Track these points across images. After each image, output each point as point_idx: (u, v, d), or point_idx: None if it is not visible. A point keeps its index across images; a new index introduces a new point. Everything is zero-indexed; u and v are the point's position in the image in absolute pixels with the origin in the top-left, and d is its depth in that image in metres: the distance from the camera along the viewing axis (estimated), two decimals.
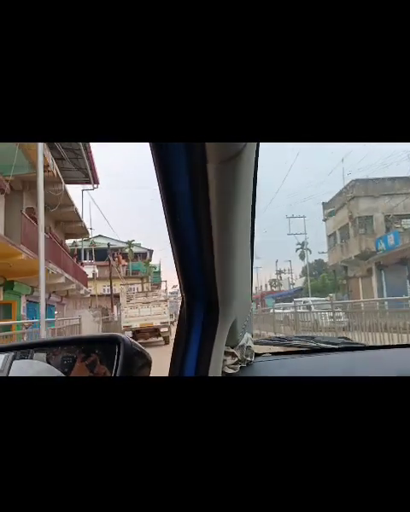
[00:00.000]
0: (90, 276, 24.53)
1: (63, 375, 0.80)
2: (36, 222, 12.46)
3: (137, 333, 15.77)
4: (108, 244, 21.53)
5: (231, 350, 0.83)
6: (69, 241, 22.72)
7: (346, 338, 1.06)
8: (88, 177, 19.26)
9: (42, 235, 8.03)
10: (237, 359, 0.84)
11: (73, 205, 16.48)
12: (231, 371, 0.82)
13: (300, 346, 1.02)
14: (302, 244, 49.55)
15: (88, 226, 21.31)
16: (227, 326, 0.77)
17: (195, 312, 0.72)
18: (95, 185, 20.31)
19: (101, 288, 23.24)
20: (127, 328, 15.52)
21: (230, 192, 0.55)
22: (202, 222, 0.57)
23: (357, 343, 1.05)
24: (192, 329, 0.73)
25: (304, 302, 16.36)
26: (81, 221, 19.06)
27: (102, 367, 0.80)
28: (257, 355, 0.93)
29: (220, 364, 0.79)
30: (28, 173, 10.86)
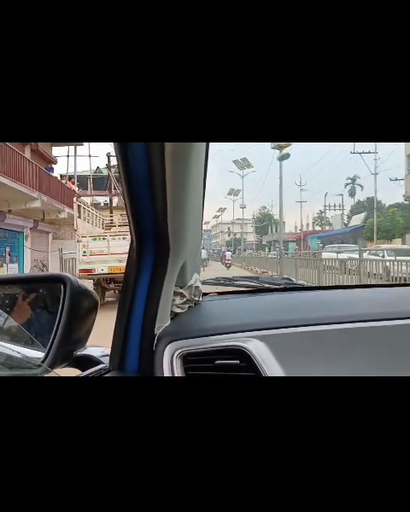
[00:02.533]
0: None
1: (4, 314, 0.77)
2: None
3: (102, 284, 9.16)
4: (109, 157, 15.86)
5: (180, 290, 0.84)
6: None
7: (289, 278, 1.12)
8: None
9: None
10: (185, 299, 0.86)
11: None
12: (179, 311, 0.84)
13: (244, 286, 1.06)
14: (353, 179, 44.03)
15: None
16: (177, 267, 0.78)
17: (145, 254, 0.71)
18: None
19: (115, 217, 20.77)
20: (87, 273, 8.85)
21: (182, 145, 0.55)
22: (156, 163, 0.56)
23: (299, 284, 1.11)
24: (142, 270, 0.72)
25: None
26: None
27: (47, 306, 0.79)
28: (204, 295, 0.96)
29: (170, 304, 0.80)
30: None
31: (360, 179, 44.65)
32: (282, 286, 1.04)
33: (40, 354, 0.75)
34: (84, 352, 0.80)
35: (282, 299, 0.98)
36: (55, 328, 0.73)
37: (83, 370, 0.77)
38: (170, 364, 0.70)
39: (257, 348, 0.71)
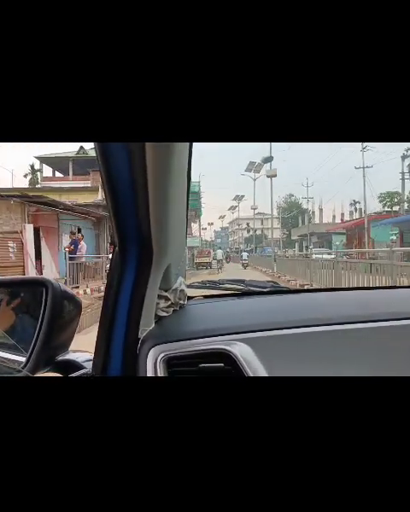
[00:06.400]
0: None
1: None
2: None
3: None
4: None
5: (165, 293, 0.84)
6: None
7: (274, 282, 1.12)
8: None
9: None
10: (170, 303, 0.85)
11: None
12: (163, 314, 0.84)
13: (230, 290, 1.06)
14: None
15: None
16: (161, 270, 0.77)
17: (128, 257, 0.70)
18: None
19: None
20: None
21: (164, 146, 0.55)
22: (137, 166, 0.56)
23: (284, 287, 1.11)
24: (125, 273, 0.72)
25: None
26: None
27: (30, 310, 0.77)
28: (189, 298, 0.95)
29: (154, 307, 0.80)
30: None
31: None
32: (267, 289, 1.04)
33: (22, 359, 0.73)
34: (66, 357, 0.79)
35: (268, 301, 0.98)
36: (36, 333, 0.72)
37: (65, 376, 0.76)
38: (154, 368, 0.70)
39: (242, 351, 0.71)
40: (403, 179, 26.80)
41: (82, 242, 11.18)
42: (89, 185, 18.64)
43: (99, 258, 12.98)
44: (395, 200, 29.82)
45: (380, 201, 31.31)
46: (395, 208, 28.91)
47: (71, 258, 10.26)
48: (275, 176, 23.85)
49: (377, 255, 8.61)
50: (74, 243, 10.97)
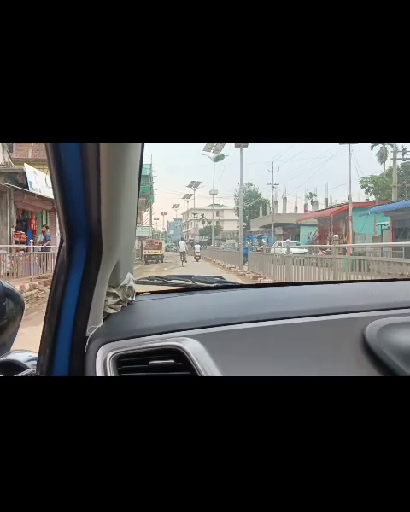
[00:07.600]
0: None
1: None
2: None
3: None
4: None
5: (113, 290, 0.82)
6: None
7: (221, 277, 1.14)
8: None
9: None
10: (118, 299, 0.84)
11: None
12: (112, 311, 0.82)
13: (177, 285, 1.06)
14: None
15: None
16: (110, 267, 0.76)
17: (76, 254, 0.68)
18: None
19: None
20: None
21: (118, 144, 0.54)
22: (90, 159, 0.55)
23: (231, 282, 1.13)
24: (73, 270, 0.69)
25: None
26: None
27: None
28: (137, 294, 0.94)
29: (102, 305, 0.78)
30: None
31: None
32: (214, 284, 1.06)
33: None
34: (7, 358, 0.75)
35: (215, 297, 0.99)
36: None
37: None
38: (103, 367, 0.69)
39: (192, 347, 0.72)
40: (395, 159, 23.27)
41: None
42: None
43: None
44: (377, 186, 26.00)
45: (362, 187, 27.38)
46: (373, 197, 25.09)
47: None
48: (246, 146, 19.34)
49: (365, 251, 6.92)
50: None
